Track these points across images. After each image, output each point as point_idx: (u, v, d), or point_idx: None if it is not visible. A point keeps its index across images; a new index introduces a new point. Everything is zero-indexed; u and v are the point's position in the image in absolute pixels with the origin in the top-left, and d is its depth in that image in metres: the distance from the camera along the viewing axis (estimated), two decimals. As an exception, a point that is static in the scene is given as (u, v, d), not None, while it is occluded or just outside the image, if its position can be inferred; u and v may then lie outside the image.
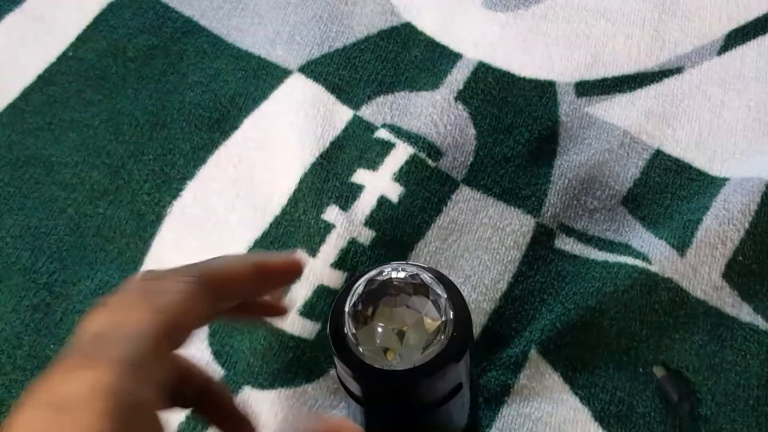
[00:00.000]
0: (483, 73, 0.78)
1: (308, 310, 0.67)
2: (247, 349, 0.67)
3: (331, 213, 0.71)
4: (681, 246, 0.66)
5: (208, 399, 0.46)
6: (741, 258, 0.66)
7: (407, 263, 0.50)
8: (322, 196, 0.71)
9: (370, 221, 0.70)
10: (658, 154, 0.73)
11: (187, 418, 0.65)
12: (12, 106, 0.80)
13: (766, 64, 0.77)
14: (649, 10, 0.80)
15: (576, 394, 0.62)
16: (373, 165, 0.73)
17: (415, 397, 0.49)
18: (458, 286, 0.49)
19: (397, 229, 0.70)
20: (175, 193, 0.74)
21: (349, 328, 0.48)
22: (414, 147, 0.73)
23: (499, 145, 0.74)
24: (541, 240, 0.70)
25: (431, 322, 0.47)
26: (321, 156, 0.74)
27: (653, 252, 0.66)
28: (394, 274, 0.49)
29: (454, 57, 0.79)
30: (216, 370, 0.66)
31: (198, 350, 0.67)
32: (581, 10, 0.81)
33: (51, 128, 0.78)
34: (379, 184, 0.72)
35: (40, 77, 0.81)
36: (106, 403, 0.32)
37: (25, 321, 0.69)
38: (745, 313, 0.65)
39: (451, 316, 0.48)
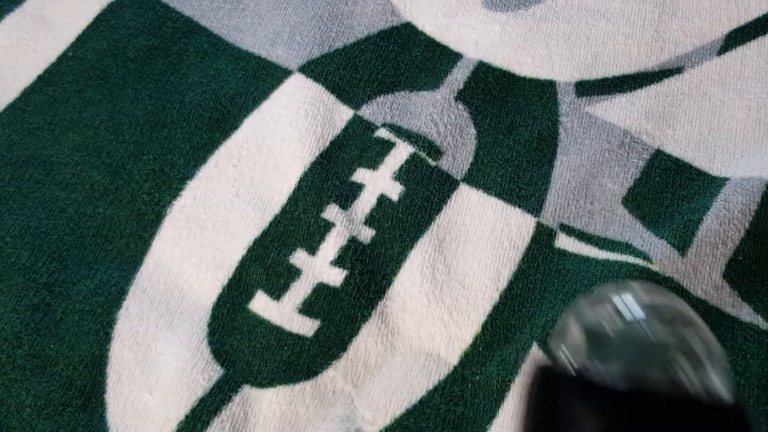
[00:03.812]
0: (483, 72, 0.78)
1: (307, 308, 0.67)
2: (246, 348, 0.67)
3: (331, 212, 0.71)
4: (682, 245, 0.66)
5: None
6: (741, 258, 0.66)
7: None
8: (322, 195, 0.72)
9: (370, 220, 0.70)
10: (659, 154, 0.73)
11: (187, 417, 0.64)
12: (12, 106, 0.80)
13: (766, 65, 0.77)
14: (650, 10, 0.80)
15: (576, 392, 0.62)
16: (373, 164, 0.73)
17: None
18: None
19: (397, 227, 0.70)
20: (175, 193, 0.74)
21: None
22: (414, 146, 0.73)
23: (499, 145, 0.74)
24: (542, 239, 0.69)
25: None
26: (321, 155, 0.74)
27: (654, 251, 0.66)
28: None
29: (455, 57, 0.79)
30: (215, 369, 0.66)
31: (198, 350, 0.67)
32: (581, 10, 0.81)
33: (51, 128, 0.78)
34: (379, 183, 0.72)
35: (40, 77, 0.81)
36: None
37: (24, 321, 0.69)
38: (745, 313, 0.65)
39: None
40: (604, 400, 0.33)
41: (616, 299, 0.37)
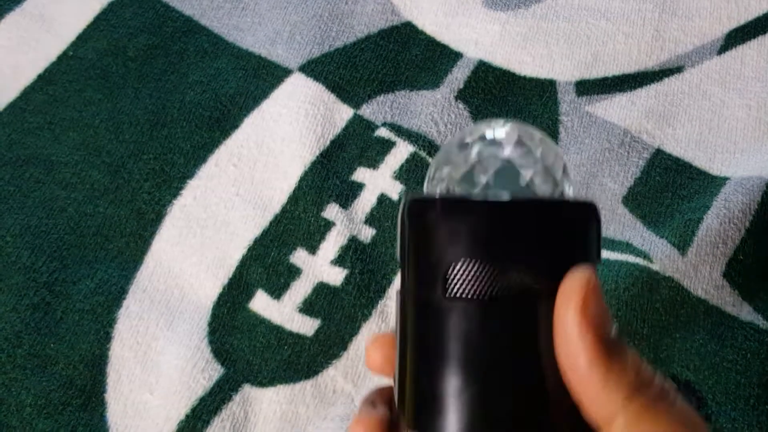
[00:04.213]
0: (483, 72, 0.78)
1: (307, 307, 0.67)
2: (247, 347, 0.67)
3: (331, 211, 0.71)
4: (682, 245, 0.66)
5: None
6: (742, 257, 0.66)
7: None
8: (322, 194, 0.72)
9: (371, 219, 0.70)
10: (659, 153, 0.73)
11: (187, 416, 0.64)
12: (12, 106, 0.80)
13: (766, 64, 0.77)
14: (650, 9, 0.80)
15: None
16: (373, 163, 0.73)
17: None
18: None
19: (398, 227, 0.70)
20: (175, 192, 0.74)
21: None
22: (414, 145, 0.73)
23: (499, 144, 0.74)
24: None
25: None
26: (321, 154, 0.74)
27: (654, 250, 0.66)
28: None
29: (455, 56, 0.79)
30: (216, 368, 0.66)
31: (198, 349, 0.67)
32: (582, 9, 0.81)
33: (51, 127, 0.78)
34: (379, 182, 0.72)
35: (40, 77, 0.81)
36: None
37: (25, 320, 0.69)
38: (745, 312, 0.65)
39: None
40: (468, 216, 0.35)
41: (480, 128, 0.40)
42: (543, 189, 0.38)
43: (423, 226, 0.36)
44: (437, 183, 0.39)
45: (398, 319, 0.37)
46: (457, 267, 0.34)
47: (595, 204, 0.36)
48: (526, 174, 0.38)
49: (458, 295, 0.34)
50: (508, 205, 0.35)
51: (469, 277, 0.34)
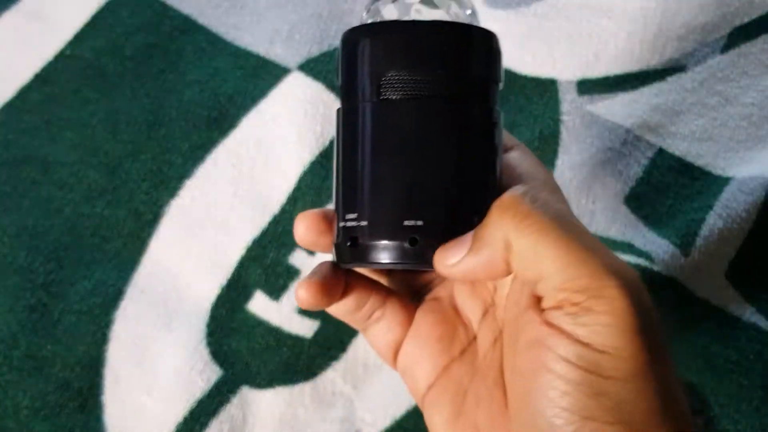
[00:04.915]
0: (484, 71, 0.77)
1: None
2: (245, 349, 0.66)
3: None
4: (684, 245, 0.65)
5: None
6: (745, 258, 0.66)
7: None
8: (321, 194, 0.71)
9: (370, 220, 0.70)
10: (661, 152, 0.72)
11: (185, 419, 0.64)
12: (9, 105, 0.79)
13: (769, 62, 0.76)
14: (652, 8, 0.79)
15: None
16: (372, 163, 0.72)
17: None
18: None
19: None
20: (173, 193, 0.74)
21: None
22: (414, 145, 0.73)
23: (500, 144, 0.74)
24: (543, 239, 0.69)
25: None
26: (321, 154, 0.73)
27: (656, 251, 0.66)
28: None
29: (455, 55, 0.79)
30: (214, 370, 0.65)
31: (196, 350, 0.66)
32: (583, 7, 0.80)
33: (48, 127, 0.78)
34: (378, 182, 0.71)
35: (37, 76, 0.81)
36: None
37: (21, 321, 0.68)
38: (748, 313, 0.64)
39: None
40: (393, 34, 0.42)
41: None
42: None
43: (356, 48, 0.43)
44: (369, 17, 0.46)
45: (337, 134, 0.44)
46: (388, 75, 0.41)
47: (496, 35, 0.45)
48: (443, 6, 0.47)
49: (388, 97, 0.41)
50: (427, 24, 0.43)
51: (397, 83, 0.41)
